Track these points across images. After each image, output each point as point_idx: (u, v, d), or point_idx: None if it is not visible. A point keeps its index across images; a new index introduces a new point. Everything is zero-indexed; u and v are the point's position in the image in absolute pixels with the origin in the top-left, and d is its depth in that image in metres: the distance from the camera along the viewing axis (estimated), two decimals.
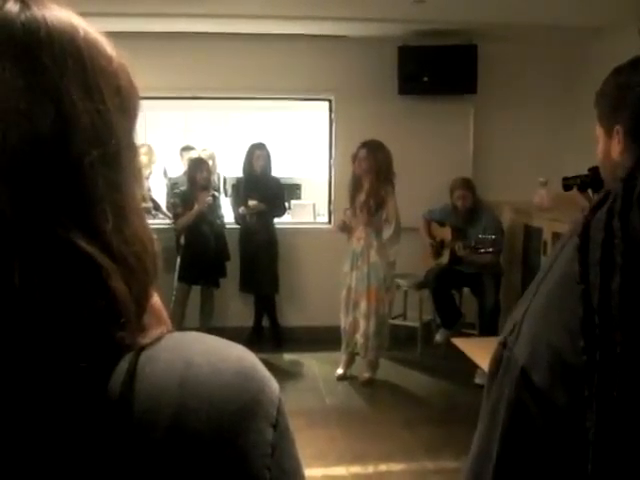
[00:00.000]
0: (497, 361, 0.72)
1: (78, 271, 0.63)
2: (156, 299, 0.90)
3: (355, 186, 6.52)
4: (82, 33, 0.70)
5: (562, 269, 0.67)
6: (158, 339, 0.68)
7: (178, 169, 8.42)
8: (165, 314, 0.91)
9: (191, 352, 0.68)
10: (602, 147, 1.86)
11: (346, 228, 6.59)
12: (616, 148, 1.67)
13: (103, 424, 0.62)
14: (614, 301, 0.59)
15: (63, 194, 0.64)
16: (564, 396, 0.62)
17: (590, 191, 3.87)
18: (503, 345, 0.72)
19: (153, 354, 0.66)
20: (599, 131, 1.87)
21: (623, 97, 0.97)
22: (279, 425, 0.68)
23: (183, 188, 7.37)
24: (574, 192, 4.20)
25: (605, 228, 0.62)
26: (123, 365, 0.64)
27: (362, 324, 6.45)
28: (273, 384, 0.71)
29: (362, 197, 6.43)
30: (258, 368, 0.71)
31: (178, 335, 0.71)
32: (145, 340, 0.67)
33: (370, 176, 6.37)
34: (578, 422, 0.60)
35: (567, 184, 4.29)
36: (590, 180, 3.83)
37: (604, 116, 1.88)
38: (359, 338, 6.50)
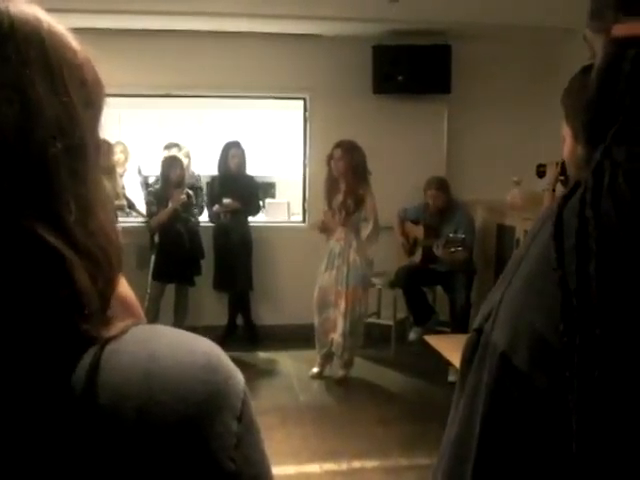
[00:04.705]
0: (472, 347, 0.73)
1: (41, 263, 0.62)
2: (130, 293, 0.90)
3: (331, 187, 6.53)
4: (46, 26, 0.70)
5: (537, 256, 0.68)
6: (123, 332, 0.68)
7: (155, 167, 8.38)
8: (139, 308, 0.91)
9: (156, 345, 0.68)
10: (568, 146, 1.88)
11: (326, 229, 6.60)
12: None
13: (67, 417, 0.61)
14: (591, 285, 0.61)
15: (26, 186, 0.63)
16: (546, 379, 0.63)
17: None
18: (478, 331, 0.73)
19: (118, 347, 0.66)
20: (565, 130, 1.89)
21: None
22: (244, 417, 0.69)
23: (157, 186, 7.34)
24: (546, 185, 4.22)
25: (578, 216, 0.64)
26: (87, 358, 0.64)
27: (340, 323, 6.46)
28: (238, 377, 0.71)
29: (339, 198, 6.44)
30: (223, 361, 0.71)
31: (144, 328, 0.71)
32: (110, 333, 0.67)
33: (347, 176, 6.38)
34: (560, 404, 0.61)
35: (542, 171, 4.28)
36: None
37: (571, 115, 1.90)
38: (337, 337, 6.50)
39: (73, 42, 0.73)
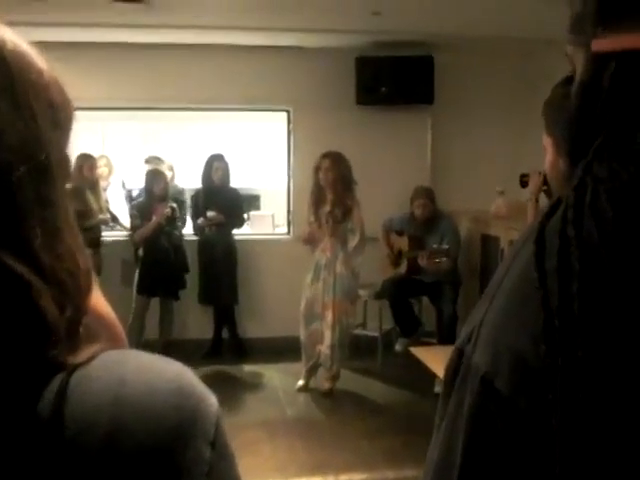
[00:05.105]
0: (454, 369, 0.72)
1: (6, 290, 0.61)
2: (108, 311, 0.88)
3: (318, 198, 6.52)
4: (10, 46, 0.68)
5: (519, 275, 0.67)
6: (92, 358, 0.66)
7: (139, 180, 8.38)
8: (119, 326, 0.90)
9: (126, 370, 0.67)
10: (550, 157, 1.87)
11: (311, 240, 6.60)
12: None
13: (33, 446, 0.60)
14: (574, 305, 0.60)
15: None
16: (528, 401, 0.62)
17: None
18: (460, 352, 0.72)
19: (86, 373, 0.65)
20: (546, 141, 1.88)
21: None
22: (217, 442, 0.67)
23: (141, 200, 7.32)
24: (528, 196, 4.22)
25: (560, 235, 0.63)
26: (54, 385, 0.63)
27: (327, 335, 6.44)
28: (211, 400, 0.69)
29: (327, 208, 6.44)
30: (195, 385, 0.69)
31: (113, 353, 0.70)
32: (78, 359, 0.65)
33: (335, 186, 6.38)
34: (543, 427, 0.60)
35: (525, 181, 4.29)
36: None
37: (552, 126, 1.90)
38: (324, 349, 6.48)
39: (39, 61, 0.71)
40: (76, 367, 0.65)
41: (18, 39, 0.70)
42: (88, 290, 0.70)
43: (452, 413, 0.70)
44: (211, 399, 0.69)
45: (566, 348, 0.60)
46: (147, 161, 8.37)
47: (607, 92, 0.67)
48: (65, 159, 0.72)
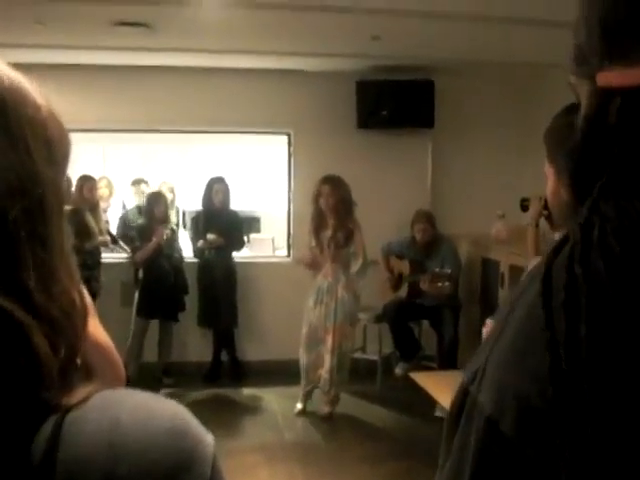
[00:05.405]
0: (458, 408, 0.71)
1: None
2: (107, 341, 0.87)
3: (319, 223, 6.51)
4: (7, 82, 0.67)
5: (525, 314, 0.66)
6: (87, 398, 0.65)
7: (132, 202, 8.42)
8: (116, 355, 0.89)
9: (120, 411, 0.65)
10: (551, 185, 1.84)
11: (314, 265, 6.59)
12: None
13: None
14: (581, 347, 0.59)
15: None
16: (534, 445, 0.60)
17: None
18: (465, 392, 0.71)
19: (80, 414, 0.63)
20: (548, 169, 1.86)
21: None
22: None
23: (140, 221, 7.33)
24: (529, 221, 4.22)
25: (567, 272, 0.62)
26: (47, 427, 0.61)
27: (327, 359, 6.42)
28: (207, 440, 0.68)
29: (328, 233, 6.43)
30: (191, 424, 0.68)
31: (108, 393, 0.68)
32: (72, 400, 0.64)
33: (336, 211, 6.38)
34: (549, 471, 0.59)
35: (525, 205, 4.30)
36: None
37: (554, 154, 1.87)
38: (324, 374, 6.45)
39: (37, 97, 0.70)
40: (70, 408, 0.63)
41: (15, 74, 0.69)
42: (83, 329, 0.69)
43: (457, 453, 0.69)
44: (207, 439, 0.68)
45: (573, 392, 0.58)
46: (133, 183, 8.40)
47: (613, 128, 0.66)
48: (61, 195, 0.71)
